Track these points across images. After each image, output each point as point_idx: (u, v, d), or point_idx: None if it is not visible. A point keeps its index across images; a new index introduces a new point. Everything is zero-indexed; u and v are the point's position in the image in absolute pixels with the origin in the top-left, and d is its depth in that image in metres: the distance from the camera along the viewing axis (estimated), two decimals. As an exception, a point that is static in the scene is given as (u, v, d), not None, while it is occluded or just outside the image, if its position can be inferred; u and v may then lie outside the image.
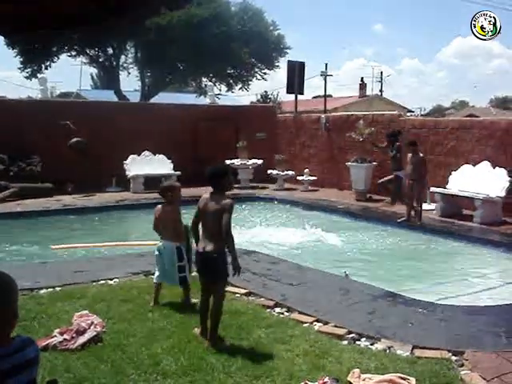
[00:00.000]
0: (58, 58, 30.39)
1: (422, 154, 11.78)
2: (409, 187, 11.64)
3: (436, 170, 13.43)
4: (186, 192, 14.40)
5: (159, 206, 6.42)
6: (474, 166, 12.61)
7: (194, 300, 6.17)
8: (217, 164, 5.49)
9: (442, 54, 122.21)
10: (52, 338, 5.05)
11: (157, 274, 6.41)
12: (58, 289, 6.78)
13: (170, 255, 6.23)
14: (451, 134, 13.85)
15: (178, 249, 6.21)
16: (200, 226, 5.32)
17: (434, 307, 6.35)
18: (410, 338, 5.31)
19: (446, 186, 12.67)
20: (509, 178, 11.59)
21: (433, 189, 12.57)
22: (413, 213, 11.68)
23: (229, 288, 6.84)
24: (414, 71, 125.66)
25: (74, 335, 5.09)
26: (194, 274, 5.93)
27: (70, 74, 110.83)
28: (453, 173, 12.92)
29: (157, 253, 6.38)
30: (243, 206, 13.75)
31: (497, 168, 11.99)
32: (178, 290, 6.60)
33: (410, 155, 11.66)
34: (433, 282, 8.24)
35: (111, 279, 7.18)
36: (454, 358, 4.87)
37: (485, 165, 12.30)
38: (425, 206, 12.26)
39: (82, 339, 5.05)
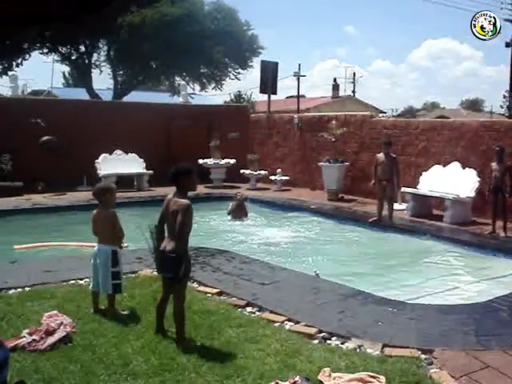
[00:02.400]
0: (30, 56, 29.92)
1: (394, 155, 11.89)
2: (381, 187, 11.72)
3: (407, 170, 13.57)
4: (159, 191, 14.58)
5: (95, 210, 6.05)
6: (444, 166, 12.78)
7: (125, 312, 5.93)
8: (182, 163, 5.25)
9: (412, 56, 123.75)
10: (21, 338, 4.99)
11: (91, 282, 6.09)
12: (27, 289, 6.69)
13: (104, 259, 5.86)
14: (422, 135, 14.00)
15: (114, 252, 5.88)
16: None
17: (403, 306, 6.41)
18: (380, 337, 5.34)
19: (417, 186, 12.82)
20: (478, 179, 11.74)
21: (404, 189, 12.68)
22: (384, 213, 11.79)
23: (200, 288, 6.85)
24: (386, 72, 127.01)
25: (44, 336, 5.03)
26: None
27: (41, 72, 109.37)
28: (423, 173, 13.07)
29: (92, 260, 6.04)
30: (215, 205, 13.80)
31: (467, 169, 12.16)
32: (148, 289, 6.56)
33: (381, 155, 11.74)
34: (403, 281, 8.30)
35: (81, 279, 7.08)
36: (423, 356, 4.92)
37: (455, 165, 12.47)
38: (396, 206, 12.37)
39: (51, 339, 4.99)
